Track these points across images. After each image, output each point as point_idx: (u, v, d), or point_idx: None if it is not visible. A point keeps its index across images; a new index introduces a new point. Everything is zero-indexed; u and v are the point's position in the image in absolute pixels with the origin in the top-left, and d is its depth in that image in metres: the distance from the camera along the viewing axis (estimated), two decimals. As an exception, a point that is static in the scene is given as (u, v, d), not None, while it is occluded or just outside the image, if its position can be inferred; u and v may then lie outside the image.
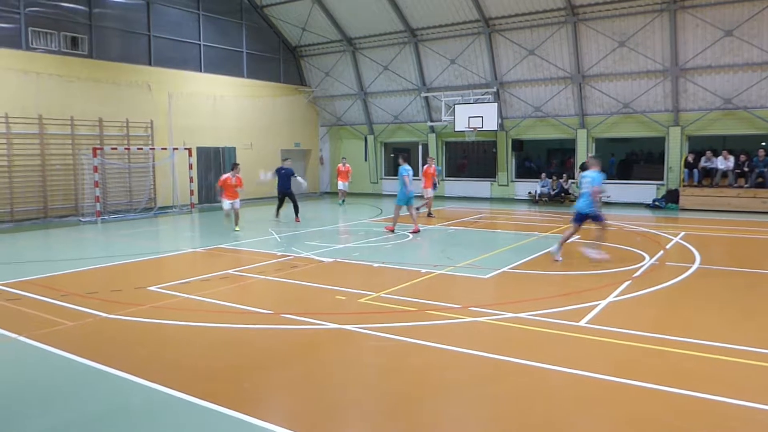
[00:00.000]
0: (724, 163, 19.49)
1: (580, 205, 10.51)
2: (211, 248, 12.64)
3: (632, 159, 24.42)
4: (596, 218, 10.41)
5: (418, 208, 15.71)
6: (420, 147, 26.98)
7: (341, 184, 22.99)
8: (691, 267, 9.99)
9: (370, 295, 8.19)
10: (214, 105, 23.31)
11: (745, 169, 19.19)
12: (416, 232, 14.18)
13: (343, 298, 8.16)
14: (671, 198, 20.21)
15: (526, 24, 21.86)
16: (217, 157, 23.47)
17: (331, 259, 11.01)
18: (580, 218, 10.51)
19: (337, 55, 26.79)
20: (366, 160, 27.84)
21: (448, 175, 26.55)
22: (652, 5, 19.61)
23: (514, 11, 21.71)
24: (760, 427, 4.34)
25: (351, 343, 6.34)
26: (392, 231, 14.35)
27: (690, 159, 20.20)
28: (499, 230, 15.53)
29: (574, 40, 21.21)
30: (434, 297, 8.12)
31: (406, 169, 14.47)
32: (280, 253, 11.68)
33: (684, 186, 19.96)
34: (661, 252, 11.48)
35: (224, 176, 15.16)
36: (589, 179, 10.28)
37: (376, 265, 10.41)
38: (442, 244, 13.19)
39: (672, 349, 5.93)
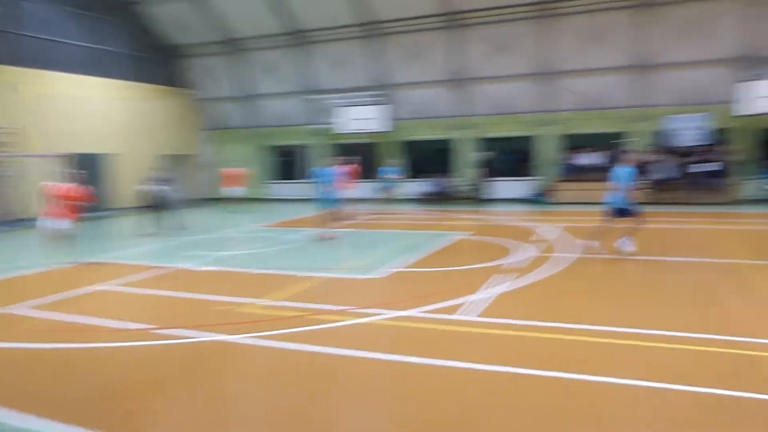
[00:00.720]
0: (595, 159, 20.92)
1: (615, 200, 10.60)
2: (84, 262, 11.64)
3: (515, 157, 25.68)
4: (631, 213, 10.52)
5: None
6: (306, 150, 26.68)
7: (230, 190, 22.12)
8: (573, 256, 10.53)
9: (257, 302, 7.87)
10: (83, 107, 21.67)
11: (607, 164, 20.69)
12: (328, 238, 13.75)
13: (227, 307, 7.76)
14: (549, 193, 21.37)
15: (411, 28, 22.28)
16: (87, 163, 21.79)
17: (214, 268, 10.50)
18: (619, 213, 10.60)
19: (220, 56, 25.89)
20: (251, 164, 27.07)
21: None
22: (525, 12, 20.71)
23: (398, 15, 22.04)
24: (646, 404, 4.57)
25: (236, 354, 6.02)
26: (331, 238, 13.60)
27: (566, 156, 21.53)
28: (390, 230, 15.63)
29: (457, 44, 21.93)
30: (322, 300, 7.94)
31: (322, 172, 13.97)
32: (158, 265, 10.97)
33: (559, 181, 21.21)
34: (545, 244, 12.03)
35: (54, 186, 11.23)
36: (624, 174, 10.46)
37: (262, 271, 10.06)
38: (332, 246, 13.04)
39: (564, 336, 6.14)
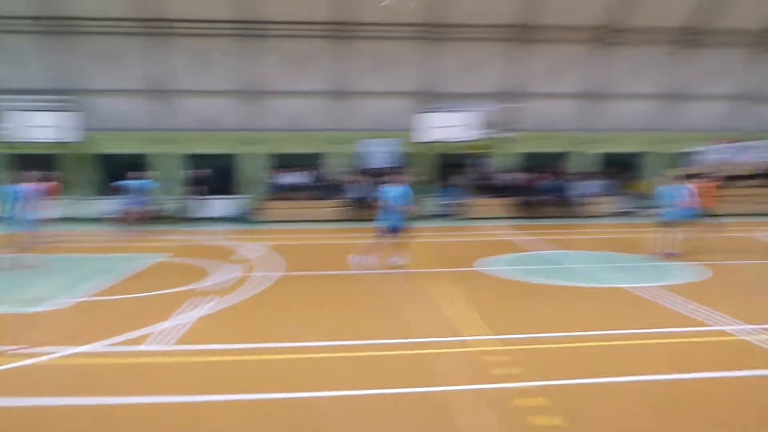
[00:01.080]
0: (299, 178, 21.84)
1: (388, 218, 10.95)
2: None
3: (219, 174, 25.34)
4: (402, 230, 11.11)
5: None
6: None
7: None
8: (277, 274, 10.69)
9: None
10: None
11: (310, 183, 21.92)
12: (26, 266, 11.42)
13: None
14: (256, 211, 21.56)
15: (105, 30, 20.48)
16: None
17: None
18: (391, 230, 10.99)
19: None
20: None
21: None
22: (230, 29, 20.70)
23: (92, 14, 20.04)
24: (377, 410, 4.81)
25: None
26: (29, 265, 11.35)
27: (272, 175, 22.04)
28: (79, 254, 13.96)
29: (158, 52, 20.82)
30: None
31: (10, 189, 11.52)
32: None
33: (267, 200, 21.60)
34: (248, 263, 12.01)
35: None
36: (396, 193, 11.03)
37: None
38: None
39: (262, 357, 6.12)
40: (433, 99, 22.15)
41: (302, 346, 6.40)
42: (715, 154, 23.48)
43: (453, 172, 23.03)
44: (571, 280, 9.89)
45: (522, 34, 21.44)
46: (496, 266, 11.32)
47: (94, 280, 10.10)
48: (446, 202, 21.68)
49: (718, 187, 15.96)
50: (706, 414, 4.70)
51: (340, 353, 6.17)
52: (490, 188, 22.16)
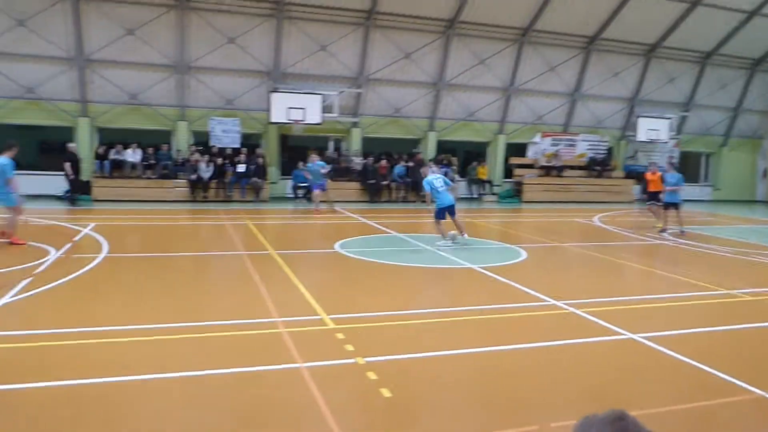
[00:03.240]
0: (133, 155, 20.39)
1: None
2: None
3: (45, 148, 22.98)
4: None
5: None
6: None
7: None
8: (98, 257, 9.94)
9: None
10: None
11: (152, 161, 20.60)
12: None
13: None
14: (83, 189, 19.77)
15: None
16: None
17: None
18: None
19: None
20: None
21: None
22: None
23: None
24: (170, 392, 4.57)
25: None
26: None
27: (101, 151, 20.32)
28: None
29: None
30: None
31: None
32: None
33: (96, 177, 19.92)
34: (69, 244, 11.04)
35: None
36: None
37: None
38: None
39: (78, 341, 5.67)
40: (283, 79, 21.77)
41: (117, 330, 6.03)
42: (545, 146, 25.69)
43: (304, 154, 22.93)
44: (419, 262, 10.30)
45: (370, 19, 21.70)
46: (355, 248, 11.47)
47: None
48: (298, 185, 21.50)
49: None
50: (523, 383, 5.14)
51: (158, 336, 5.89)
52: (340, 171, 22.35)
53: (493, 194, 24.77)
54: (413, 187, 22.42)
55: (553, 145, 25.89)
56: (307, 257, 10.77)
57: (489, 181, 24.94)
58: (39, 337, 5.77)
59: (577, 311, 7.09)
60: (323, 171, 18.50)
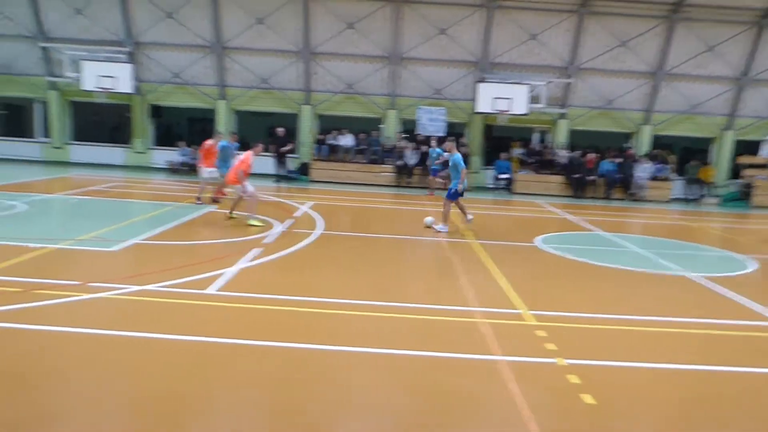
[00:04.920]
0: (345, 140, 21.94)
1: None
2: None
3: (272, 133, 25.66)
4: None
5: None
6: (39, 105, 23.42)
7: None
8: (315, 233, 10.94)
9: (-41, 276, 6.73)
10: None
11: (363, 146, 21.98)
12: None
13: None
14: (303, 170, 21.90)
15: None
16: None
17: None
18: None
19: None
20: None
21: (77, 139, 23.72)
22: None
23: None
24: (369, 368, 4.96)
25: None
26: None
27: (320, 136, 22.21)
28: (132, 200, 14.52)
29: (215, 9, 21.03)
30: (47, 275, 7.10)
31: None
32: None
33: (314, 159, 21.84)
34: (291, 220, 12.29)
35: None
36: None
37: (-30, 240, 8.63)
38: (62, 215, 11.70)
39: (292, 308, 6.37)
40: (491, 69, 21.72)
41: (327, 302, 6.57)
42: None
43: (507, 145, 22.73)
44: (627, 264, 9.72)
45: (586, 6, 20.65)
46: (556, 243, 11.20)
47: (147, 226, 10.51)
48: (499, 176, 21.41)
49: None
50: (734, 411, 4.64)
51: (362, 312, 6.30)
52: (544, 164, 21.78)
53: (716, 196, 22.22)
54: (622, 183, 21.03)
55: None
56: (507, 249, 10.70)
57: (710, 182, 22.41)
58: (264, 300, 6.56)
59: (821, 339, 6.15)
60: (438, 160, 18.53)
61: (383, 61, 21.90)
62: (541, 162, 21.81)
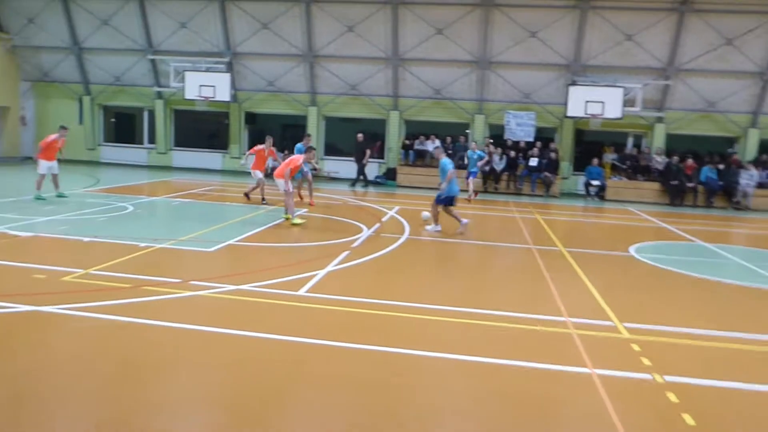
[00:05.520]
0: (432, 145, 21.96)
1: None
2: None
3: (373, 139, 26.15)
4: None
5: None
6: (146, 113, 25.09)
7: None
8: (401, 237, 11.04)
9: (77, 272, 7.33)
10: None
11: (450, 152, 21.91)
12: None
13: (43, 276, 7.15)
14: (390, 175, 22.13)
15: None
16: None
17: (30, 234, 9.57)
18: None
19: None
20: (81, 123, 24.83)
21: (178, 145, 25.19)
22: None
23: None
24: (449, 373, 4.98)
25: (47, 326, 5.59)
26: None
27: (407, 141, 22.37)
28: (227, 203, 15.22)
29: (307, 19, 21.69)
30: (152, 272, 7.59)
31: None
32: (-39, 227, 9.76)
33: (401, 165, 22.01)
34: (378, 224, 12.46)
35: (51, 137, 13.78)
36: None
37: (86, 239, 9.36)
38: (165, 216, 12.46)
39: (378, 312, 6.46)
40: (583, 72, 21.08)
41: (412, 306, 6.60)
42: None
43: (599, 150, 21.95)
44: (729, 277, 9.17)
45: (686, 3, 19.61)
46: (652, 253, 10.74)
47: (243, 227, 11.00)
48: (591, 182, 20.71)
49: None
50: None
51: (447, 318, 6.28)
52: (638, 170, 20.88)
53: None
54: (725, 191, 19.79)
55: None
56: (599, 258, 10.35)
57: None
58: (353, 303, 6.70)
59: None
60: (480, 162, 18.62)
61: (471, 65, 21.76)
62: (636, 168, 20.91)
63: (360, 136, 21.15)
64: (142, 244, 9.10)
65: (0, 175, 18.08)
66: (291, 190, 11.95)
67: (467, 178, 18.64)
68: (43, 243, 9.14)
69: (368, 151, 20.89)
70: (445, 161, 11.78)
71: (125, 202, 13.33)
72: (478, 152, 18.91)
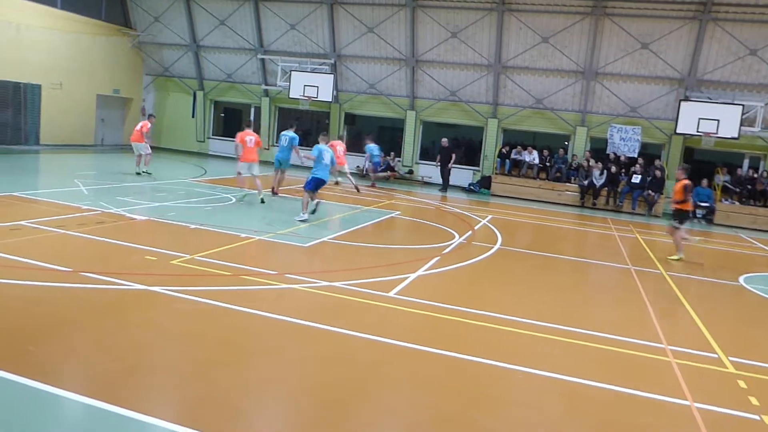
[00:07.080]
0: (530, 156, 21.53)
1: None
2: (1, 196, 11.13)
3: (455, 144, 26.06)
4: None
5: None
6: (252, 109, 26.25)
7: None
8: (493, 247, 10.91)
9: (183, 257, 7.80)
10: (18, 35, 20.44)
11: (547, 163, 21.40)
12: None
13: (154, 258, 7.68)
14: (485, 184, 21.90)
15: (367, 1, 22.13)
16: (17, 94, 20.70)
17: (144, 217, 10.30)
18: None
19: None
20: (194, 116, 26.38)
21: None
22: (483, 4, 20.90)
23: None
24: (535, 389, 4.88)
25: (156, 305, 6.00)
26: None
27: (503, 150, 22.05)
28: (324, 201, 15.61)
29: (411, 24, 21.90)
30: (251, 262, 7.96)
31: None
32: (85, 207, 10.64)
33: (496, 174, 21.73)
34: (470, 232, 12.38)
35: (141, 123, 16.52)
36: None
37: (193, 226, 9.94)
38: (266, 210, 12.97)
39: (465, 320, 6.42)
40: (698, 87, 19.92)
41: (500, 318, 6.49)
42: None
43: (709, 170, 20.65)
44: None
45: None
46: (765, 285, 10.00)
47: (338, 226, 11.28)
48: (699, 203, 19.47)
49: None
50: None
51: (535, 332, 6.13)
52: (753, 194, 19.46)
53: None
54: None
55: None
56: (704, 285, 9.75)
57: None
58: (436, 308, 6.69)
59: None
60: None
61: (577, 75, 21.13)
62: (751, 192, 19.49)
63: (444, 141, 21.14)
64: (243, 235, 9.55)
65: (120, 161, 19.49)
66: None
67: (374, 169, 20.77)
68: (155, 227, 9.80)
69: (453, 156, 20.87)
70: (319, 147, 11.97)
71: (231, 193, 14.01)
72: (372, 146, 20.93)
